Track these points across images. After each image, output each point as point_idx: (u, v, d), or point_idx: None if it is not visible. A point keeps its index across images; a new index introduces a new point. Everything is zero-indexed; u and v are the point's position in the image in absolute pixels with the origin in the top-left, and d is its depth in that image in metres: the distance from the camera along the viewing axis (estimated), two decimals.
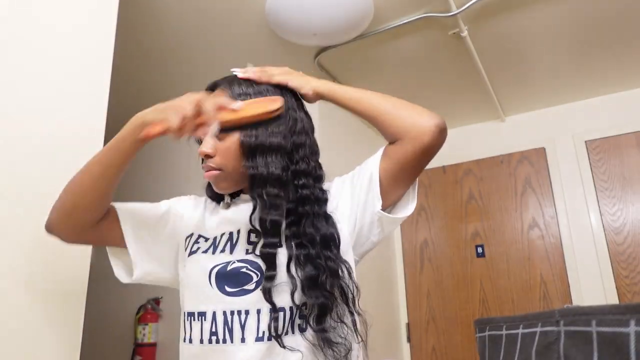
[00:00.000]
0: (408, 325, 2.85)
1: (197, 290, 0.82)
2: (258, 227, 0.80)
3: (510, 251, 2.65)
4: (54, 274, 0.99)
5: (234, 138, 0.81)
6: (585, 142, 2.61)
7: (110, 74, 1.21)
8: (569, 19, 1.90)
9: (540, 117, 2.78)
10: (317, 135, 0.94)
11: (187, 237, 0.89)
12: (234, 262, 0.80)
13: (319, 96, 0.88)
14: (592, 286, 2.41)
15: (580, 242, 2.49)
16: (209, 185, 0.91)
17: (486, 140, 2.90)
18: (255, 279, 0.77)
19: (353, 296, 0.79)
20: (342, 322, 0.78)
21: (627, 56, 2.22)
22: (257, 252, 0.79)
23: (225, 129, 0.80)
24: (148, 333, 2.41)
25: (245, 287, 0.78)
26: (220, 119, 0.75)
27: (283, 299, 0.76)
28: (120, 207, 0.88)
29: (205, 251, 0.84)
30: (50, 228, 0.84)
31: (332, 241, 0.80)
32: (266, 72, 0.87)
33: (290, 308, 0.77)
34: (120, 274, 0.90)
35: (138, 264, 0.87)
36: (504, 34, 1.99)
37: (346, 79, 2.34)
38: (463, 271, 2.76)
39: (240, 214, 0.86)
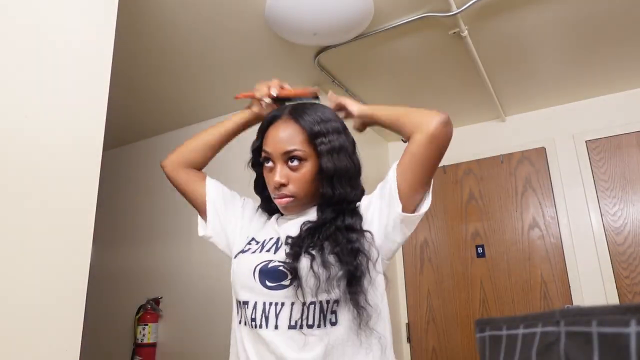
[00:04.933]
0: (408, 325, 2.85)
1: (244, 283, 0.95)
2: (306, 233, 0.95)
3: (511, 251, 2.65)
4: (54, 274, 0.99)
5: (307, 167, 0.97)
6: (586, 142, 2.61)
7: (109, 75, 1.21)
8: (569, 18, 1.90)
9: (540, 117, 2.78)
10: None
11: (247, 236, 1.07)
12: (275, 261, 0.93)
13: (362, 116, 1.06)
14: (593, 286, 2.41)
15: (581, 242, 2.49)
16: (264, 202, 1.10)
17: (486, 140, 2.90)
18: (289, 276, 0.89)
19: (374, 260, 0.92)
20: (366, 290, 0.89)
21: (627, 56, 2.22)
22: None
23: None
24: (148, 333, 2.41)
25: (282, 283, 0.90)
26: (275, 94, 1.07)
27: (314, 294, 0.87)
28: (209, 177, 1.14)
29: (254, 252, 0.99)
30: (165, 162, 1.12)
31: (353, 228, 0.93)
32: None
33: (321, 302, 0.88)
34: (199, 229, 1.12)
35: (210, 222, 1.09)
36: (505, 34, 1.99)
37: (346, 79, 2.34)
38: (463, 271, 2.75)
39: (287, 229, 1.00)
